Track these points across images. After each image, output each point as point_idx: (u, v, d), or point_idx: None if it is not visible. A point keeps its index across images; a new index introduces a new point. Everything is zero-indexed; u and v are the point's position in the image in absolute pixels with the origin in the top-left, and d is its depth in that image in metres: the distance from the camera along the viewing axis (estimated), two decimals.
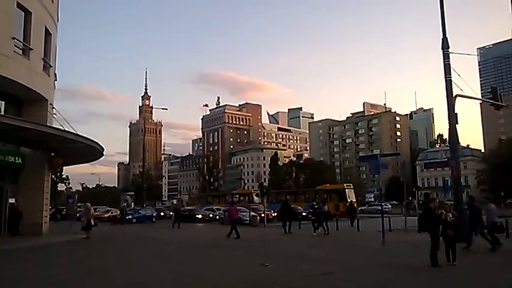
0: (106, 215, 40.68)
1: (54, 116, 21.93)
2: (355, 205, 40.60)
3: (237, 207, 25.36)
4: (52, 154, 21.19)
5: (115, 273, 10.14)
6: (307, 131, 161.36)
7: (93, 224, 20.24)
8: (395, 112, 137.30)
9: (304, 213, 33.76)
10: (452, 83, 17.13)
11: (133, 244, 18.35)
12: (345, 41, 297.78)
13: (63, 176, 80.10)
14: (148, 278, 9.32)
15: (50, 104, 21.24)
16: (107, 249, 16.08)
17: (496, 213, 13.98)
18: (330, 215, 23.64)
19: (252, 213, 30.32)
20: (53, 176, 38.89)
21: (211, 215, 36.82)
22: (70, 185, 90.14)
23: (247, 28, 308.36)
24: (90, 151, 22.18)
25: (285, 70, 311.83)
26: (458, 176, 17.69)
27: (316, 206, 22.07)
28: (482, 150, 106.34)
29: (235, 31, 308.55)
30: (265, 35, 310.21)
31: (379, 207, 27.22)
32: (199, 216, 36.00)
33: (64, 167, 52.46)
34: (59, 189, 71.09)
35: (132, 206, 55.81)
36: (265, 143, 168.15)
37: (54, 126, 20.17)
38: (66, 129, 19.78)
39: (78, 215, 28.78)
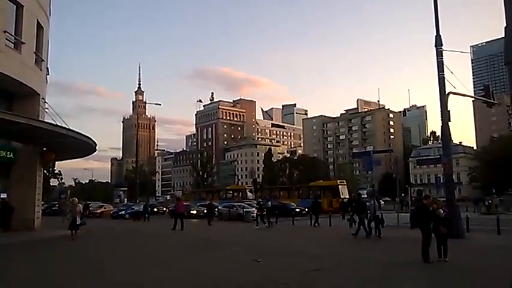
0: (99, 211, 40.65)
1: (47, 110, 21.77)
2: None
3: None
4: (44, 149, 21.07)
5: (108, 270, 10.10)
6: (301, 128, 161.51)
7: (79, 222, 17.24)
8: (388, 109, 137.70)
9: (297, 210, 33.98)
10: (445, 81, 17.22)
11: (128, 240, 18.31)
12: (339, 39, 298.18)
13: (56, 171, 79.71)
14: (143, 276, 9.31)
15: (42, 98, 21.09)
16: (101, 245, 16.02)
17: (377, 208, 16.99)
18: (274, 210, 25.94)
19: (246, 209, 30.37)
20: (45, 171, 38.74)
21: (206, 211, 36.45)
22: (62, 180, 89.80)
23: (243, 24, 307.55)
24: (83, 146, 22.05)
25: (279, 66, 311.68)
26: (451, 172, 17.84)
27: (261, 203, 25.51)
28: (475, 148, 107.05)
29: (231, 27, 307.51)
30: (261, 32, 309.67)
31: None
32: (194, 212, 35.60)
33: (56, 162, 52.18)
34: (51, 184, 70.84)
35: (125, 201, 55.76)
36: (259, 139, 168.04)
37: (46, 120, 20.03)
38: (59, 123, 19.65)
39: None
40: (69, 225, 17.19)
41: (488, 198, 41.98)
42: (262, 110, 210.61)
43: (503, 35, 5.03)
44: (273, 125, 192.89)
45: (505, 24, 4.98)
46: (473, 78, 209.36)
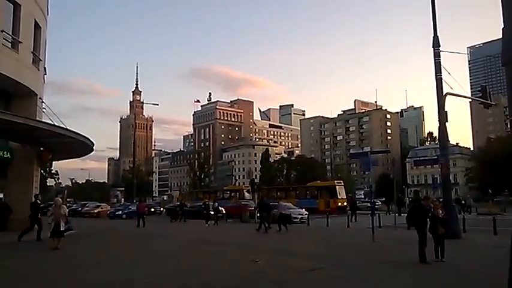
0: (95, 211, 40.58)
1: (44, 110, 21.73)
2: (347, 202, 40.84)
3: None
4: (41, 149, 20.99)
5: (105, 269, 10.10)
6: (299, 128, 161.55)
7: (63, 228, 13.79)
8: (386, 110, 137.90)
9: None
10: (443, 82, 17.27)
11: (125, 240, 18.27)
12: (337, 39, 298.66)
13: (53, 171, 79.41)
14: (140, 273, 9.30)
15: (40, 98, 21.01)
16: (97, 245, 15.99)
17: (284, 207, 22.40)
18: (219, 210, 28.76)
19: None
20: (42, 171, 38.61)
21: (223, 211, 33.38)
22: (59, 180, 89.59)
23: (241, 24, 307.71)
24: (80, 146, 21.99)
25: (277, 67, 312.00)
26: (448, 173, 17.88)
27: (207, 203, 29.08)
28: (472, 149, 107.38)
29: (229, 27, 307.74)
30: (259, 31, 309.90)
31: (369, 204, 27.38)
32: (212, 212, 33.92)
33: (53, 162, 52.07)
34: (48, 184, 70.62)
35: (122, 201, 55.66)
36: (257, 140, 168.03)
37: (43, 120, 19.97)
38: (56, 123, 19.61)
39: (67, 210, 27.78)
40: (51, 231, 13.73)
41: (462, 198, 42.12)
42: (259, 110, 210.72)
43: (500, 36, 5.05)
44: (270, 126, 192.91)
45: (502, 26, 5.00)
46: (471, 79, 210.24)
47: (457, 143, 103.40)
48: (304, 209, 29.80)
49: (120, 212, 35.74)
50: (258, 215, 23.35)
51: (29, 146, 20.42)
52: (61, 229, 13.62)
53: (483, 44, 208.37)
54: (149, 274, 9.33)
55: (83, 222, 28.30)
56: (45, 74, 24.06)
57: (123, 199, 59.84)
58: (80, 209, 42.96)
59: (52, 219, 13.72)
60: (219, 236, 19.48)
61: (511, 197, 53.25)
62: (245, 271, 9.64)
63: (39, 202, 17.86)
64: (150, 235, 19.91)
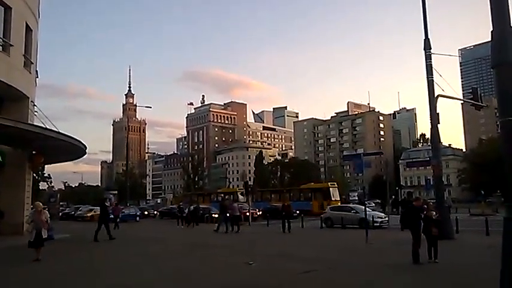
0: (89, 214, 40.27)
1: (36, 113, 21.57)
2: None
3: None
4: (33, 152, 20.85)
5: (97, 273, 10.03)
6: (292, 130, 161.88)
7: (45, 236, 12.05)
8: (378, 112, 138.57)
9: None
10: (434, 84, 17.41)
11: (118, 243, 18.15)
12: (330, 41, 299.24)
13: (45, 175, 78.66)
14: (134, 279, 9.25)
15: (31, 101, 20.88)
16: (89, 248, 15.88)
17: (237, 209, 24.20)
18: (196, 213, 30.18)
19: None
20: (34, 175, 38.28)
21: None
22: (52, 184, 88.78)
23: (234, 26, 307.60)
24: (73, 149, 21.87)
25: (271, 69, 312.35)
26: (440, 175, 18.00)
27: (181, 206, 31.61)
28: (464, 150, 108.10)
29: (223, 29, 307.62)
30: (252, 34, 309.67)
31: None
32: (216, 216, 30.99)
33: (46, 165, 51.63)
34: (40, 188, 69.94)
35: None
36: (250, 142, 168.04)
37: (35, 123, 19.84)
38: (48, 127, 19.49)
39: (60, 214, 27.73)
40: (30, 241, 11.86)
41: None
42: (253, 112, 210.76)
43: (490, 39, 5.09)
44: (264, 128, 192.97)
45: (491, 28, 5.05)
46: (462, 81, 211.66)
47: (450, 145, 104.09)
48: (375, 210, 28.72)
49: (113, 216, 35.43)
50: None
51: (21, 149, 20.28)
52: (43, 237, 11.89)
53: (474, 46, 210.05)
54: (147, 278, 9.29)
55: (76, 226, 28.15)
56: (37, 77, 23.94)
57: (116, 203, 59.43)
58: (73, 212, 42.64)
59: (32, 228, 11.88)
60: (214, 239, 19.42)
61: (503, 198, 53.61)
62: (242, 274, 9.64)
63: None
64: (143, 239, 19.83)
